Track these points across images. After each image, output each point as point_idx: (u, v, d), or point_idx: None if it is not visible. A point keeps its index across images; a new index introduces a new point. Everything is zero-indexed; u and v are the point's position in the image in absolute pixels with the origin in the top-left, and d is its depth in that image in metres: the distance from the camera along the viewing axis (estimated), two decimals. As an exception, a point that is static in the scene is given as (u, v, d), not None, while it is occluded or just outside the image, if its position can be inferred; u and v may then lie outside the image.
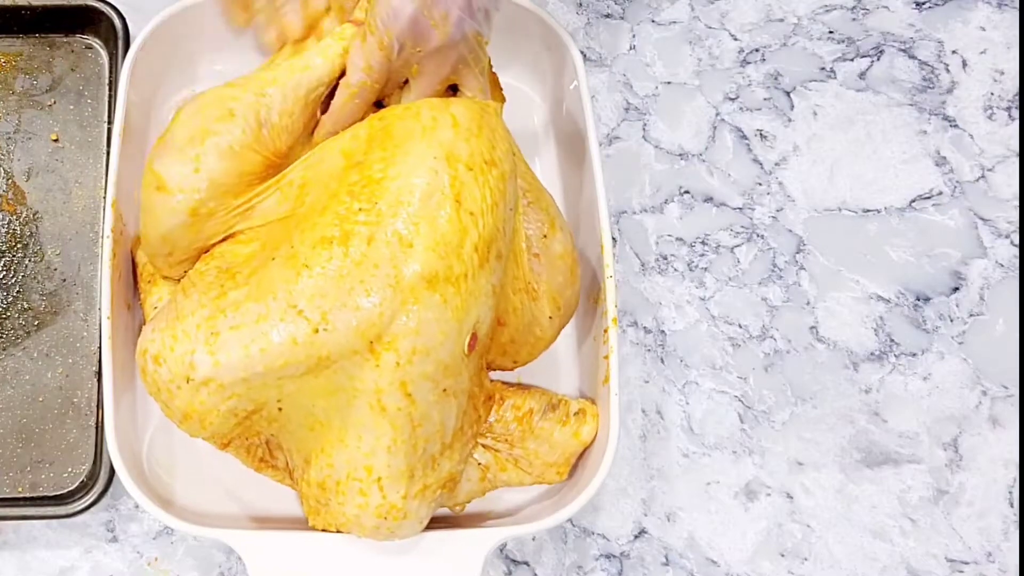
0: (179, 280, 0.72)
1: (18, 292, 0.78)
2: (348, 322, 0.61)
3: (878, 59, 0.89)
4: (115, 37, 0.81)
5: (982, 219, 0.85)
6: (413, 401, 0.63)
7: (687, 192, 0.85)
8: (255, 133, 0.67)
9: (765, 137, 0.87)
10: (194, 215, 0.67)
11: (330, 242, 0.62)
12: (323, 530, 0.68)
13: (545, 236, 0.71)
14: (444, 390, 0.64)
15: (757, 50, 0.89)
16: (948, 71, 0.89)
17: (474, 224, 0.63)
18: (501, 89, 0.76)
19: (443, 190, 0.63)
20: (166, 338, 0.63)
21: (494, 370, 0.75)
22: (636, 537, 0.78)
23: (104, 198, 0.78)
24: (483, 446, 0.73)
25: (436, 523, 0.72)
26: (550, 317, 0.71)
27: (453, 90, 0.72)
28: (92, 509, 0.73)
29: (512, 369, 0.75)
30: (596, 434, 0.72)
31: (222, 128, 0.66)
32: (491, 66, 0.76)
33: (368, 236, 0.62)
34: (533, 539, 0.77)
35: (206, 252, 0.70)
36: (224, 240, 0.70)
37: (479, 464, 0.73)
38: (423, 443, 0.64)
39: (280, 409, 0.65)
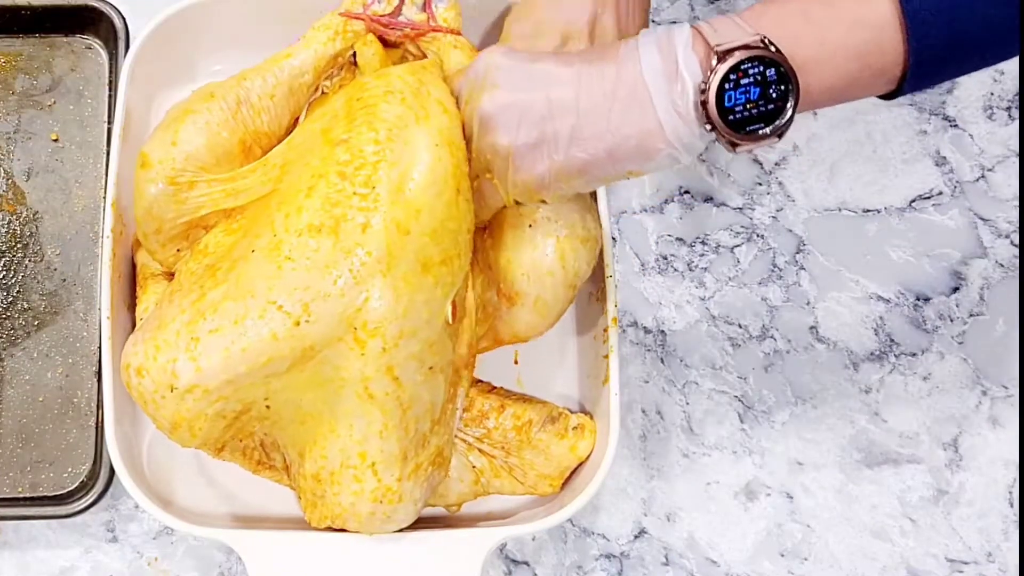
0: (172, 277, 0.73)
1: (18, 292, 0.78)
2: (332, 311, 0.61)
3: (878, 59, 0.89)
4: (115, 37, 0.81)
5: (982, 219, 0.85)
6: (400, 384, 0.63)
7: (687, 192, 0.85)
8: (233, 111, 0.69)
9: (765, 137, 0.87)
10: (172, 183, 0.68)
11: (318, 230, 0.62)
12: (318, 526, 0.68)
13: None
14: (430, 368, 0.64)
15: (757, 50, 0.89)
16: (948, 71, 0.89)
17: (471, 210, 0.64)
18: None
19: (446, 179, 0.63)
20: (148, 348, 0.63)
21: (509, 343, 0.73)
22: (636, 537, 0.78)
23: (104, 198, 0.78)
24: (479, 451, 0.73)
25: (435, 523, 0.72)
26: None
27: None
28: (92, 509, 0.73)
29: (527, 339, 0.73)
30: (592, 450, 0.73)
31: (201, 107, 0.69)
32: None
33: (364, 223, 0.62)
34: (533, 539, 0.77)
35: (198, 242, 0.70)
36: (213, 227, 0.70)
37: (474, 467, 0.73)
38: (414, 423, 0.65)
39: (268, 407, 0.65)
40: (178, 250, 0.71)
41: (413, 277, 0.62)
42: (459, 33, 0.73)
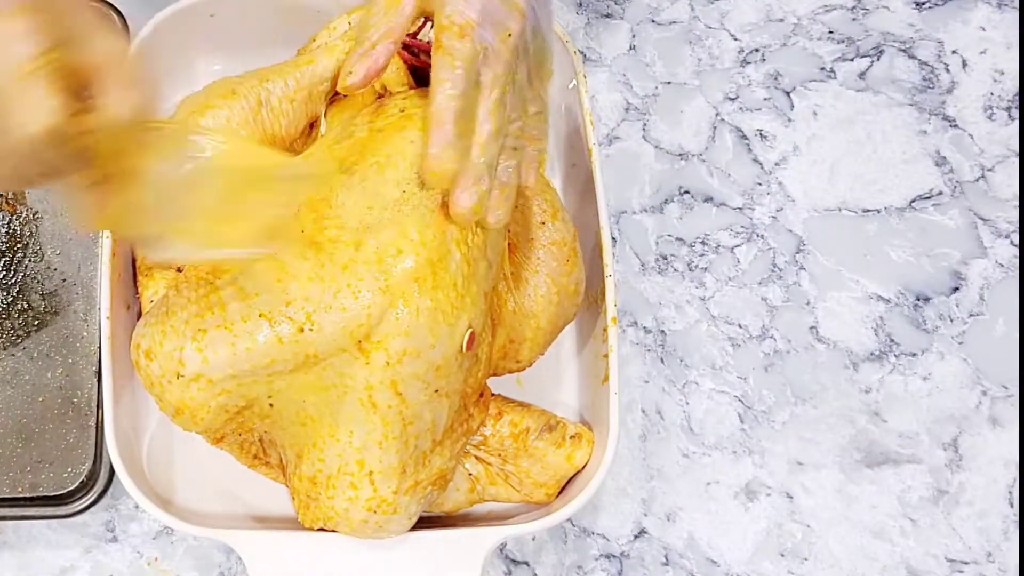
0: (178, 270, 0.73)
1: (18, 292, 0.78)
2: (334, 323, 0.61)
3: (878, 59, 0.89)
4: (115, 37, 0.81)
5: (982, 219, 0.85)
6: (404, 400, 0.63)
7: (687, 192, 0.85)
8: (254, 112, 0.69)
9: (765, 137, 0.87)
10: None
11: (319, 246, 0.62)
12: (310, 527, 0.68)
13: (543, 223, 0.72)
14: (436, 390, 0.64)
15: (757, 50, 0.89)
16: (948, 71, 0.89)
17: (464, 238, 0.63)
18: None
19: (430, 201, 0.63)
20: (156, 333, 0.64)
21: (502, 374, 0.75)
22: (636, 537, 0.78)
23: (104, 198, 0.78)
24: (476, 458, 0.73)
25: (435, 523, 0.72)
26: (542, 305, 0.72)
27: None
28: (92, 509, 0.73)
29: (519, 370, 0.75)
30: (589, 459, 0.72)
31: (223, 103, 0.69)
32: None
33: (356, 241, 0.62)
34: (533, 539, 0.77)
35: None
36: None
37: (469, 475, 0.73)
38: (414, 440, 0.65)
39: (271, 405, 0.65)
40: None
41: (410, 296, 0.61)
42: None
